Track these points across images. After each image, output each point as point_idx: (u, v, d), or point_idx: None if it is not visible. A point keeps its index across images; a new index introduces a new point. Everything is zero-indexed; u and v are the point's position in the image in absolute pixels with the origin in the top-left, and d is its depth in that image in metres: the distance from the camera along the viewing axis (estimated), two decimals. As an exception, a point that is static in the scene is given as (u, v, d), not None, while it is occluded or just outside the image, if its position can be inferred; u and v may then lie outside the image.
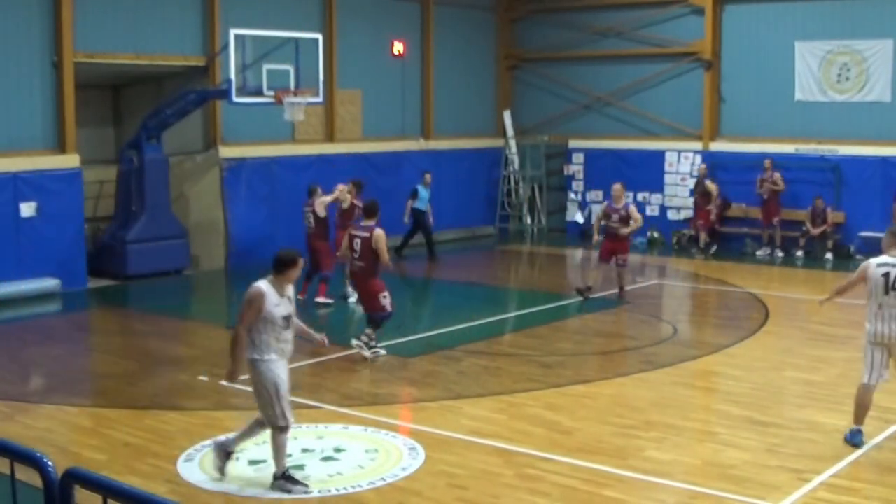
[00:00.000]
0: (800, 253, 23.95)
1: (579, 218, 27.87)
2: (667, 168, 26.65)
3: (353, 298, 17.01)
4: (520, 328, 16.94)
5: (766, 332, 16.03)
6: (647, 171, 26.71)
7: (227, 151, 21.99)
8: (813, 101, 24.88)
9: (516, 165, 28.64)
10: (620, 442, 10.32)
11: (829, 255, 23.55)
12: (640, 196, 26.88)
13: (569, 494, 9.05)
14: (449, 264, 19.45)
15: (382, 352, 14.12)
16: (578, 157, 28.14)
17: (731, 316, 17.83)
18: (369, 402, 11.91)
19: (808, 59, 24.84)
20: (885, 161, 23.65)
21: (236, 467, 9.55)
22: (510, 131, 28.74)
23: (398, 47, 25.89)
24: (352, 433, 10.70)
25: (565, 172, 28.44)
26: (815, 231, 23.76)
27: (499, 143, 28.91)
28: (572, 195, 28.20)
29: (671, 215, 26.57)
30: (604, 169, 27.31)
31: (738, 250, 24.91)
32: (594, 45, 27.96)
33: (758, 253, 24.27)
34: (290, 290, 9.17)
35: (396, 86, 26.12)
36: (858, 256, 23.68)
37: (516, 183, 28.75)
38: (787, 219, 24.12)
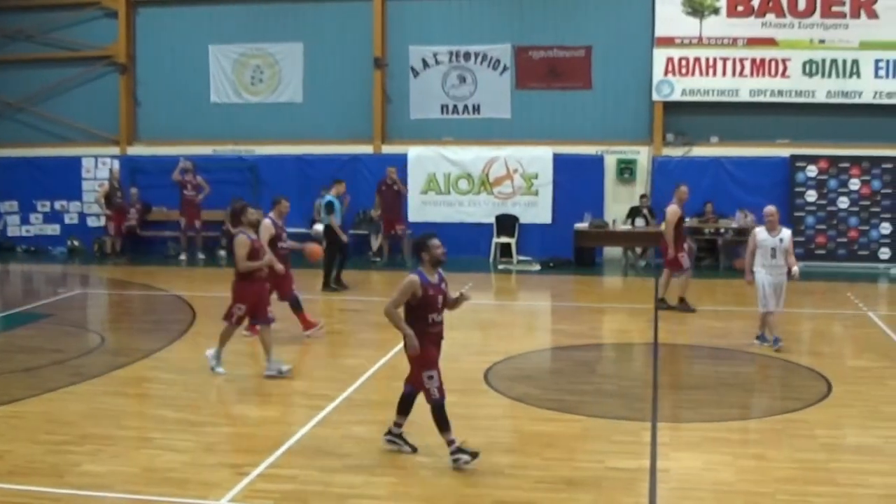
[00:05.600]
0: (223, 252, 24.45)
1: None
2: (84, 175, 26.08)
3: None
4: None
5: (194, 333, 16.20)
6: (64, 179, 26.00)
7: None
8: (229, 103, 25.53)
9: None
10: (54, 459, 9.95)
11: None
12: (58, 205, 26.13)
13: (1, 521, 8.62)
14: None
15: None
16: (-11, 167, 26.83)
17: (158, 320, 17.82)
18: None
19: (222, 62, 25.40)
20: (299, 159, 24.79)
21: None
22: None
23: None
24: None
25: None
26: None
27: None
28: (-18, 208, 26.81)
29: (91, 222, 26.04)
30: (18, 179, 26.24)
31: (162, 254, 24.95)
32: (2, 50, 26.72)
33: (181, 256, 24.43)
34: None
35: None
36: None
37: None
38: (209, 220, 24.47)
